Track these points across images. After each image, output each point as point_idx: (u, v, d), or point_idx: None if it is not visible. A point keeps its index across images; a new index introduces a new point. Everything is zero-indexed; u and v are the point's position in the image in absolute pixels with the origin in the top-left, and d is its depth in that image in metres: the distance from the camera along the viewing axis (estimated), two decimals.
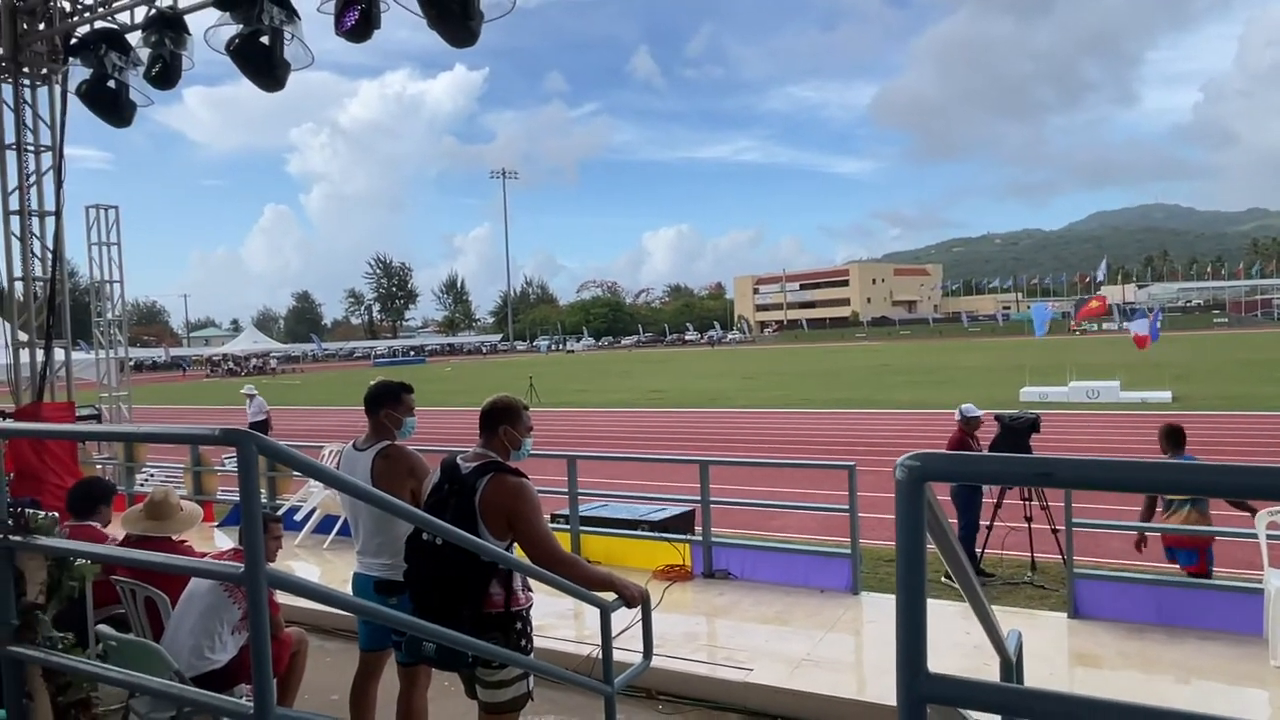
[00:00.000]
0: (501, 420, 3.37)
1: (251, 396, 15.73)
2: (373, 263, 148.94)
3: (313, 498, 9.02)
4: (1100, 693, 4.37)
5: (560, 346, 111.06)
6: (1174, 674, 4.76)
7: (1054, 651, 5.21)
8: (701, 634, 5.78)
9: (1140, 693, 4.47)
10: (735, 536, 8.04)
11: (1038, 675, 4.47)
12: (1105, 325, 69.39)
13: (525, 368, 50.43)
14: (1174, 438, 6.44)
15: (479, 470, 3.21)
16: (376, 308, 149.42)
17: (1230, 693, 4.59)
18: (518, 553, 3.24)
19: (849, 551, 6.46)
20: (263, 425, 14.94)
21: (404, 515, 2.80)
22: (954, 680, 1.24)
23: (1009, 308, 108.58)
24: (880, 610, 6.02)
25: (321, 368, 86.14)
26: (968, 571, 1.78)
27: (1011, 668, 2.59)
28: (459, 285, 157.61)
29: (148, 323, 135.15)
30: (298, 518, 8.88)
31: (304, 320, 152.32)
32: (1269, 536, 4.89)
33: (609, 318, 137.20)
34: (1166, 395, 21.71)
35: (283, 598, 4.27)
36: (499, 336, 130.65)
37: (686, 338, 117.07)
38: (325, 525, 8.79)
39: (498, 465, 3.24)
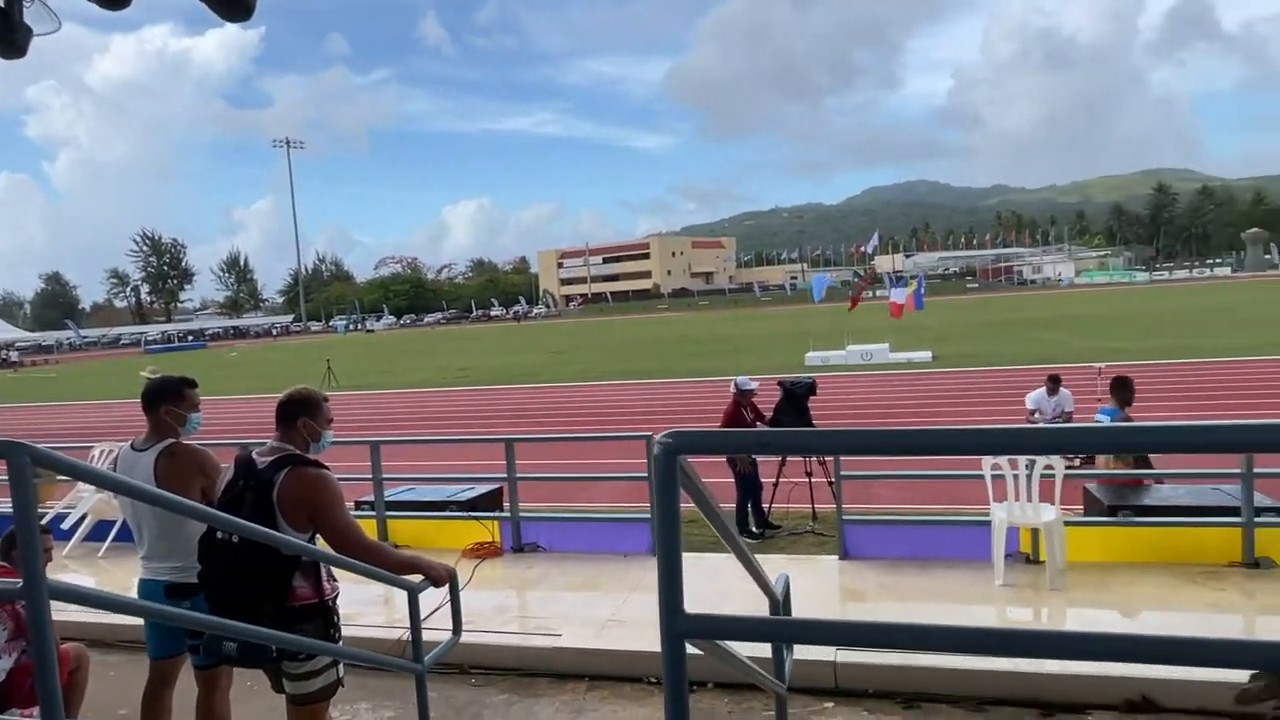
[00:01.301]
0: (300, 413, 3.34)
1: None
2: (139, 239, 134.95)
3: (83, 503, 8.26)
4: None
5: (359, 326, 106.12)
6: (923, 599, 5.53)
7: (827, 590, 5.86)
8: (512, 607, 5.96)
9: (895, 618, 5.15)
10: (544, 510, 8.27)
11: (810, 611, 5.05)
12: (880, 293, 75.96)
13: (321, 350, 47.87)
14: (1121, 390, 7.56)
15: (276, 464, 3.18)
16: (145, 289, 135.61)
17: (965, 610, 5.39)
18: (321, 544, 3.26)
19: (649, 516, 6.86)
20: None
21: (196, 515, 2.75)
22: (708, 617, 1.49)
23: (796, 277, 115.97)
24: None
25: (81, 357, 77.17)
26: (729, 529, 2.07)
27: (779, 606, 2.97)
28: (242, 262, 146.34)
29: None
30: (65, 525, 8.11)
31: (56, 304, 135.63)
32: (993, 476, 5.76)
33: (410, 295, 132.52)
34: (928, 355, 24.28)
35: (56, 612, 3.99)
36: (290, 317, 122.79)
37: (492, 314, 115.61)
38: (99, 531, 8.09)
39: (295, 458, 3.23)
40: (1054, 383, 11.28)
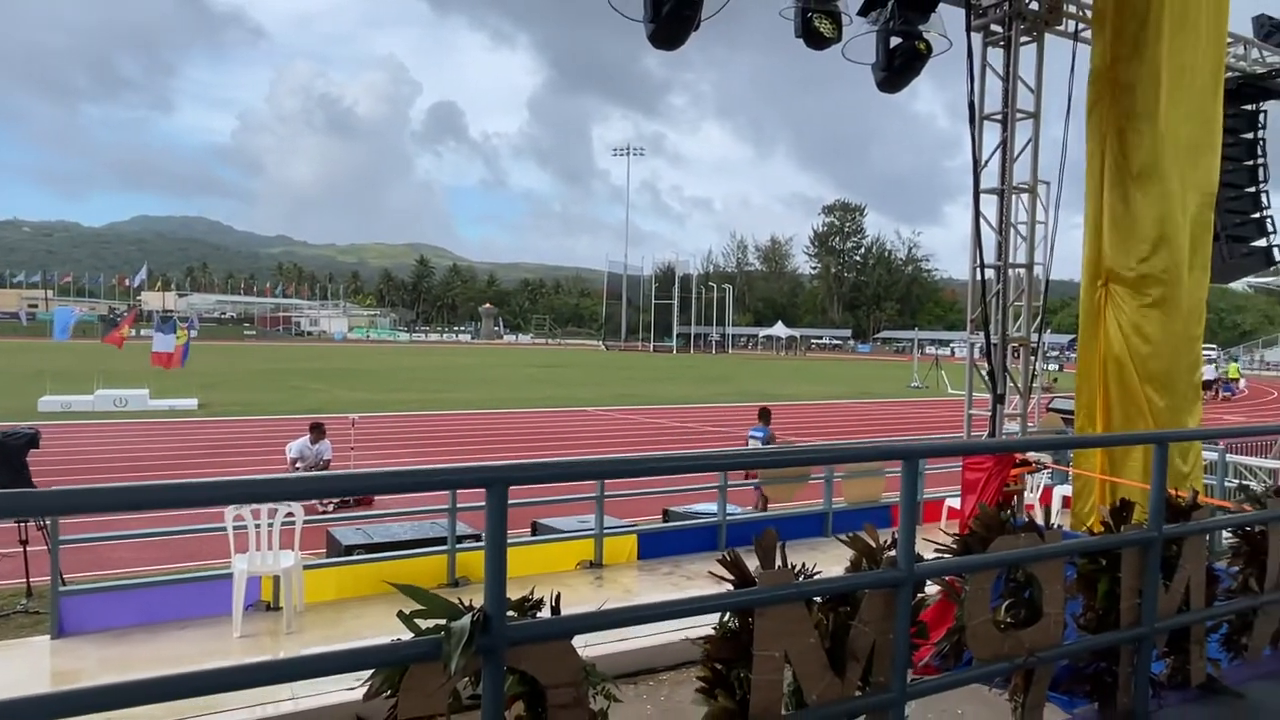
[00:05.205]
0: None
1: None
2: None
3: None
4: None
5: None
6: (150, 667, 5.19)
7: (32, 678, 5.05)
8: None
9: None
10: None
11: None
12: (145, 332, 68.70)
13: None
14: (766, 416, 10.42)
15: None
16: None
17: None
18: None
19: None
20: None
21: None
22: None
23: (36, 305, 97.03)
24: None
25: None
26: None
27: None
28: None
29: None
30: None
31: None
32: (235, 527, 5.79)
33: None
34: (193, 403, 22.90)
35: None
36: None
37: None
38: None
39: None
40: (317, 431, 11.86)
